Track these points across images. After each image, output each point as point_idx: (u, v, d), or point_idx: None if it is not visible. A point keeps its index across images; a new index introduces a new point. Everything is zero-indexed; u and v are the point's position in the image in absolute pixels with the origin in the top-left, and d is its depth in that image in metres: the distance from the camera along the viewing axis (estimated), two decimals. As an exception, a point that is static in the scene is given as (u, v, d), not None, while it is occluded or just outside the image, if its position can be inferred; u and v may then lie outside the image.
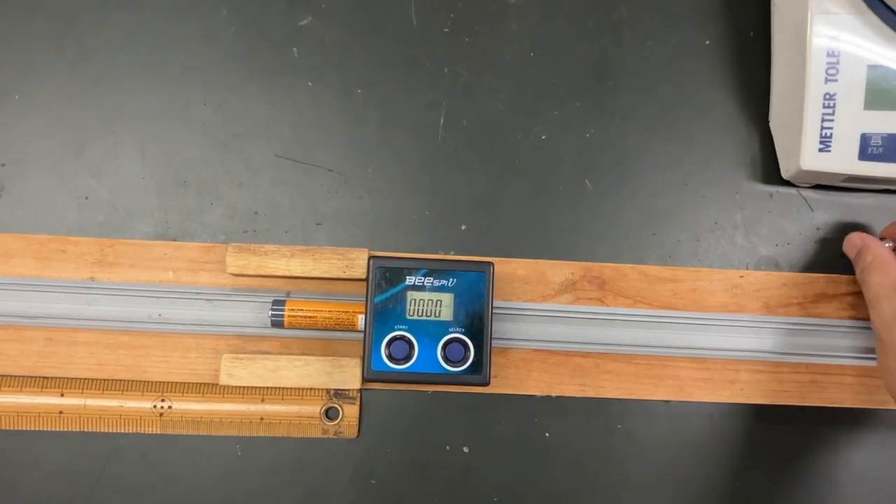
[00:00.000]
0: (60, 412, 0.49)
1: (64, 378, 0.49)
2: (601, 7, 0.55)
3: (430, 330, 0.46)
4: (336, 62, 0.53)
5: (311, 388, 0.50)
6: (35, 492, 0.49)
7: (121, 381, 0.49)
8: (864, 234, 0.51)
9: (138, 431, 0.49)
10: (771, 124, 0.54)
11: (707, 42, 0.55)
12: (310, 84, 0.53)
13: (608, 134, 0.54)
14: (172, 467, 0.49)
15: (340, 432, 0.50)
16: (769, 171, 0.54)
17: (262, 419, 0.49)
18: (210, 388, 0.50)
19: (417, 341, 0.46)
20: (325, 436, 0.50)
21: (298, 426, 0.50)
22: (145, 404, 0.49)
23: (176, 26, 0.53)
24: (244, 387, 0.49)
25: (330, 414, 0.50)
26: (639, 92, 0.54)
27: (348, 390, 0.50)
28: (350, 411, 0.50)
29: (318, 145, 0.52)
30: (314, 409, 0.50)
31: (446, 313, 0.46)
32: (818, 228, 0.54)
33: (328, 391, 0.50)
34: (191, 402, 0.49)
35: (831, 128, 0.50)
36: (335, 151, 0.52)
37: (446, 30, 0.54)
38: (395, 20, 0.54)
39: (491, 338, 0.46)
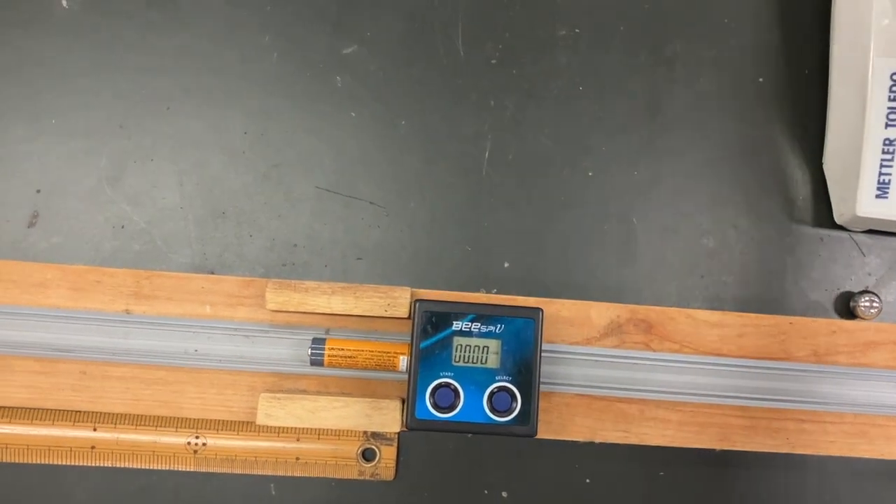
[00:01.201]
0: (93, 447, 0.48)
1: (98, 412, 0.48)
2: (654, 41, 0.53)
3: (476, 377, 0.45)
4: (380, 92, 0.52)
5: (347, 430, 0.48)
6: (66, 528, 0.48)
7: (155, 417, 0.48)
8: None
9: (172, 468, 0.48)
10: (825, 167, 0.52)
11: (761, 80, 0.54)
12: (353, 114, 0.52)
13: (657, 172, 0.52)
14: (205, 504, 0.48)
15: (377, 474, 0.49)
16: (821, 214, 0.53)
17: (297, 458, 0.48)
18: (245, 426, 0.49)
19: (463, 389, 0.45)
20: (362, 477, 0.49)
21: (335, 466, 0.49)
22: (179, 440, 0.48)
23: (217, 52, 0.51)
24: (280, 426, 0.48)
25: (367, 455, 0.49)
26: (689, 130, 0.53)
27: (386, 432, 0.49)
28: (387, 453, 0.49)
29: (360, 177, 0.51)
30: (351, 449, 0.49)
31: (493, 360, 0.45)
32: (869, 274, 0.52)
33: (366, 432, 0.49)
34: (226, 439, 0.48)
35: (890, 174, 0.49)
36: (377, 184, 0.51)
37: (493, 61, 0.53)
38: (441, 50, 0.52)
39: (539, 387, 0.45)
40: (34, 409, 0.48)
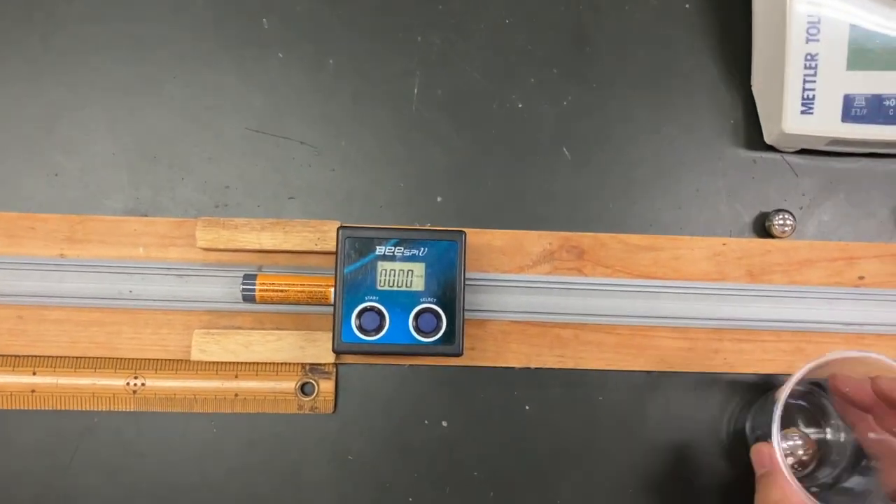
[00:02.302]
0: (33, 391, 0.48)
1: (36, 356, 0.48)
2: (577, -29, 0.53)
3: (401, 300, 0.45)
4: (307, 33, 0.52)
5: (285, 364, 0.49)
6: (9, 470, 0.48)
7: (93, 359, 0.48)
8: (774, 457, 0.42)
9: (112, 409, 0.48)
10: (753, 88, 0.53)
11: (687, 6, 0.54)
12: (281, 55, 0.52)
13: (586, 101, 0.53)
14: (148, 446, 0.49)
15: (316, 408, 0.49)
16: (752, 136, 0.53)
17: (236, 395, 0.49)
18: (184, 365, 0.49)
19: (388, 312, 0.45)
20: (301, 411, 0.49)
21: (273, 402, 0.49)
22: (118, 382, 0.48)
23: (144, -1, 0.52)
24: (218, 364, 0.49)
25: (305, 389, 0.49)
26: (617, 58, 0.53)
27: (323, 365, 0.49)
28: (325, 386, 0.49)
29: (290, 118, 0.52)
30: (289, 384, 0.49)
31: (417, 283, 0.45)
32: (803, 194, 0.52)
33: (303, 367, 0.49)
34: (164, 380, 0.49)
35: (813, 90, 0.49)
36: (307, 124, 0.52)
37: (419, -3, 0.53)
38: (366, -12, 0.53)
39: (464, 307, 0.45)
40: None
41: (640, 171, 0.52)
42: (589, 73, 0.53)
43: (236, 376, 0.49)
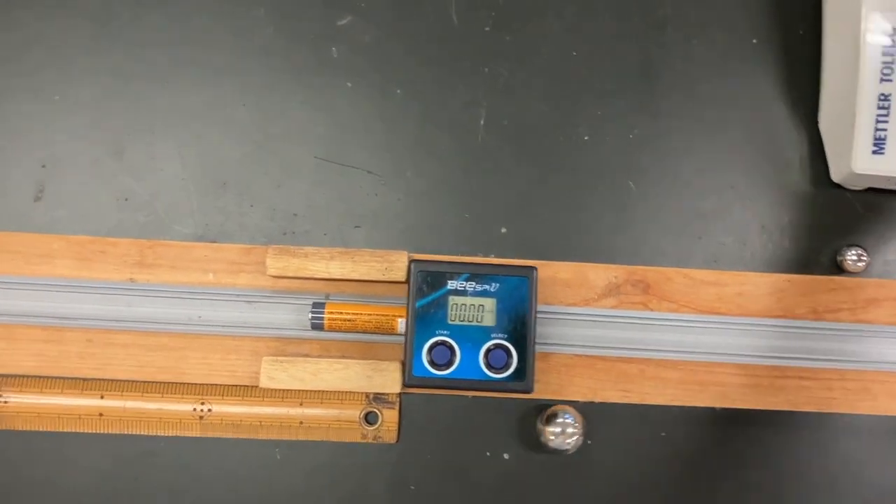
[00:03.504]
0: (100, 414, 0.49)
1: (104, 380, 0.49)
2: (645, 4, 0.54)
3: (471, 335, 0.45)
4: (375, 62, 0.53)
5: (350, 393, 0.49)
6: (73, 492, 0.49)
7: (160, 383, 0.49)
8: None
9: (178, 434, 0.49)
10: (821, 125, 0.52)
11: (754, 41, 0.54)
12: (349, 84, 0.52)
13: (652, 134, 0.53)
14: (210, 471, 0.49)
15: (380, 437, 0.49)
16: (818, 173, 0.53)
17: (301, 423, 0.49)
18: (249, 392, 0.49)
19: (459, 347, 0.45)
20: (365, 440, 0.49)
21: (338, 430, 0.49)
22: (185, 407, 0.49)
23: (213, 26, 0.52)
24: (283, 390, 0.49)
25: (369, 418, 0.49)
26: (683, 92, 0.53)
27: (388, 395, 0.49)
28: (389, 416, 0.49)
29: (357, 146, 0.52)
30: (353, 413, 0.49)
31: (488, 318, 0.45)
32: (868, 233, 0.52)
33: (367, 396, 0.49)
34: (230, 405, 0.49)
35: (885, 129, 0.48)
36: (374, 153, 0.52)
37: (487, 28, 0.53)
38: (435, 19, 0.53)
39: (534, 344, 0.45)
40: (42, 377, 0.49)
41: (704, 206, 0.52)
42: (655, 106, 0.53)
43: (301, 403, 0.49)
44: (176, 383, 0.49)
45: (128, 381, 0.49)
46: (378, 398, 0.49)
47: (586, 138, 0.52)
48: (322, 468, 0.49)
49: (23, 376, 0.49)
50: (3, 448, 0.49)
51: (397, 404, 0.49)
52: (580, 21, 0.53)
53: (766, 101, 0.53)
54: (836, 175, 0.51)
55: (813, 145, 0.53)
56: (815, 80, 0.53)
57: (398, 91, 0.52)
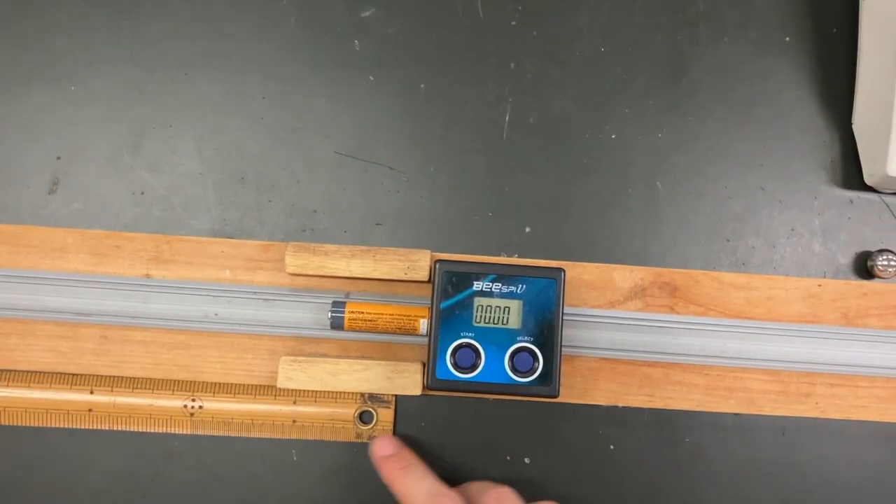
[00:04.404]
0: (90, 410, 0.48)
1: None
2: (676, 1, 0.52)
3: (497, 338, 0.44)
4: (399, 56, 0.51)
5: (343, 392, 0.48)
6: (90, 491, 0.48)
7: (150, 379, 0.48)
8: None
9: (168, 431, 0.48)
10: (854, 126, 0.51)
11: (787, 39, 0.52)
12: (371, 78, 0.51)
13: (682, 134, 0.51)
14: (226, 470, 0.48)
15: (374, 436, 0.48)
16: (851, 175, 0.51)
17: (294, 421, 0.48)
18: (242, 389, 0.48)
19: (484, 349, 0.44)
20: (360, 440, 0.48)
21: (332, 429, 0.48)
22: (175, 403, 0.48)
23: (234, 17, 0.51)
24: (276, 388, 0.48)
25: (364, 418, 0.48)
26: (714, 91, 0.52)
27: (383, 394, 0.48)
28: (384, 415, 0.48)
29: (379, 142, 0.51)
30: (348, 412, 0.48)
31: (514, 321, 0.44)
32: (901, 237, 0.51)
33: (363, 395, 0.48)
34: (222, 402, 0.48)
35: (922, 131, 0.47)
36: (396, 149, 0.51)
37: (513, 23, 0.52)
38: (460, 12, 0.52)
39: (561, 347, 0.44)
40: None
41: (734, 207, 0.51)
42: (685, 105, 0.52)
43: (294, 402, 0.48)
44: (166, 379, 0.48)
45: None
46: (373, 397, 0.48)
47: (613, 137, 0.51)
48: (339, 469, 0.48)
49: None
50: (21, 444, 0.48)
51: (393, 403, 0.48)
52: (609, 17, 0.52)
53: (798, 101, 0.52)
54: (869, 178, 0.50)
55: (846, 147, 0.52)
56: (849, 81, 0.52)
57: (422, 86, 0.51)
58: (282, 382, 0.47)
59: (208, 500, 0.48)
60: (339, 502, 0.48)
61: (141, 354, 0.48)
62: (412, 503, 0.42)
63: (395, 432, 0.49)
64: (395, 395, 0.49)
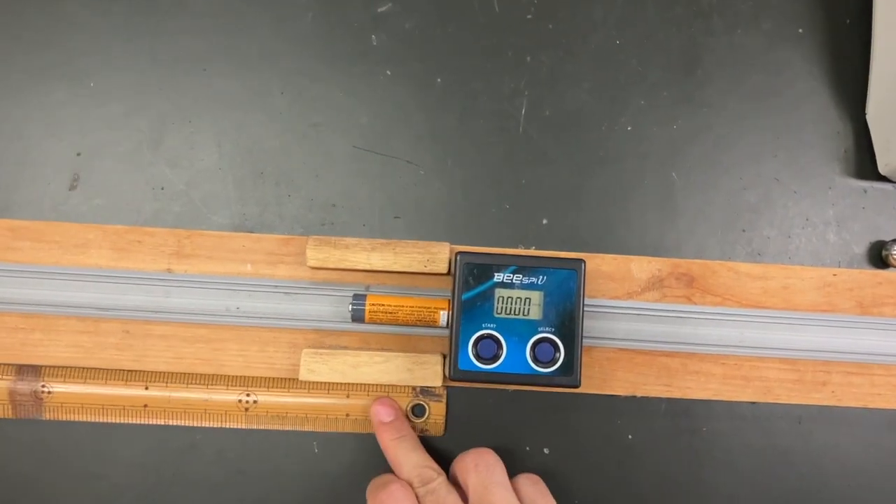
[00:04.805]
0: (145, 405, 0.48)
1: (147, 371, 0.48)
2: (690, -7, 0.53)
3: (518, 329, 0.45)
4: (415, 50, 0.52)
5: (397, 386, 0.48)
6: (113, 483, 0.48)
7: (205, 375, 0.48)
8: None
9: (223, 425, 0.48)
10: (868, 117, 0.51)
11: (800, 30, 0.53)
12: (388, 73, 0.51)
13: (697, 125, 0.52)
14: (250, 464, 0.49)
15: (426, 430, 0.49)
16: (864, 165, 0.52)
17: (347, 415, 0.48)
18: (295, 383, 0.48)
19: (506, 341, 0.44)
20: (410, 433, 0.49)
21: (385, 423, 0.48)
22: (231, 397, 0.48)
23: (252, 13, 0.51)
24: (330, 382, 0.48)
25: (416, 411, 0.49)
26: (729, 82, 0.52)
27: (434, 388, 0.48)
28: (437, 409, 0.49)
29: (397, 136, 0.51)
30: (401, 405, 0.48)
31: (535, 312, 0.45)
32: (915, 226, 0.51)
33: (414, 388, 0.48)
34: (277, 396, 0.48)
35: (936, 121, 0.47)
36: (414, 142, 0.51)
37: (529, 17, 0.52)
38: (476, 7, 0.52)
39: (582, 338, 0.45)
40: (82, 367, 0.48)
41: (749, 198, 0.51)
42: (700, 96, 0.52)
43: (348, 396, 0.48)
44: (219, 375, 0.48)
45: (164, 372, 0.48)
46: (425, 391, 0.49)
47: (629, 129, 0.52)
48: (363, 461, 0.49)
49: (64, 367, 0.48)
50: (46, 438, 0.48)
51: (444, 397, 0.49)
52: (624, 9, 0.52)
53: (811, 92, 0.52)
54: (883, 168, 0.51)
55: (860, 137, 0.52)
56: (863, 71, 0.52)
57: (438, 80, 0.52)
58: (304, 375, 0.47)
59: (230, 493, 0.48)
60: (361, 494, 0.49)
61: (162, 349, 0.48)
62: (400, 471, 0.44)
63: (446, 426, 0.49)
64: (447, 389, 0.49)
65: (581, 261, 0.45)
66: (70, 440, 0.48)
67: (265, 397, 0.48)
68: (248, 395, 0.48)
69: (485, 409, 0.49)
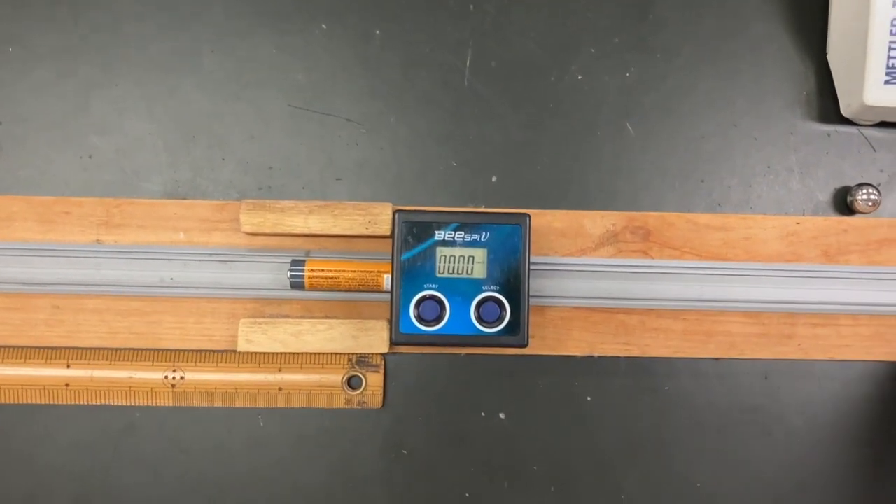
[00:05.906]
0: (66, 384, 0.46)
1: (70, 349, 0.46)
2: (640, -67, 0.50)
3: (461, 289, 0.42)
4: (352, 2, 0.49)
5: (332, 356, 0.46)
6: (49, 467, 0.46)
7: (130, 351, 0.46)
8: None
9: (149, 404, 0.46)
10: (829, 57, 0.49)
11: (757, -32, 0.50)
12: (324, 27, 0.49)
13: (650, 73, 0.49)
14: (192, 441, 0.47)
15: (364, 402, 0.47)
16: (826, 109, 0.49)
17: (280, 389, 0.46)
18: (225, 358, 0.46)
19: (449, 301, 0.42)
20: (348, 406, 0.47)
21: (319, 396, 0.47)
22: (156, 375, 0.46)
23: (178, -32, 0.49)
24: (261, 356, 0.46)
25: (352, 383, 0.47)
26: (683, 26, 0.50)
27: (371, 356, 0.46)
28: (374, 380, 0.46)
29: (335, 93, 0.49)
30: (335, 377, 0.46)
31: (479, 270, 0.43)
32: (882, 170, 0.49)
33: (350, 359, 0.46)
34: (204, 373, 0.46)
35: (899, 57, 0.45)
36: (354, 99, 0.49)
37: (471, -37, 0.50)
38: (414, -46, 0.49)
39: (528, 296, 0.42)
40: (6, 347, 0.46)
41: (707, 147, 0.49)
42: (653, 42, 0.49)
43: (280, 369, 0.46)
44: (146, 350, 0.46)
45: (99, 348, 0.46)
46: (361, 361, 0.47)
47: (580, 78, 0.49)
48: (308, 435, 0.47)
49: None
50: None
51: (382, 367, 0.47)
52: (570, -48, 0.50)
53: (769, 33, 0.50)
54: (846, 109, 0.48)
55: (821, 78, 0.50)
56: (823, 9, 0.50)
57: (377, 32, 0.49)
58: (242, 346, 0.45)
59: (173, 472, 0.46)
60: (307, 468, 0.47)
61: (95, 323, 0.46)
62: None
63: (385, 396, 0.47)
64: (384, 357, 0.47)
65: (525, 215, 0.43)
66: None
67: (193, 374, 0.46)
68: (174, 371, 0.46)
69: (433, 377, 0.47)
